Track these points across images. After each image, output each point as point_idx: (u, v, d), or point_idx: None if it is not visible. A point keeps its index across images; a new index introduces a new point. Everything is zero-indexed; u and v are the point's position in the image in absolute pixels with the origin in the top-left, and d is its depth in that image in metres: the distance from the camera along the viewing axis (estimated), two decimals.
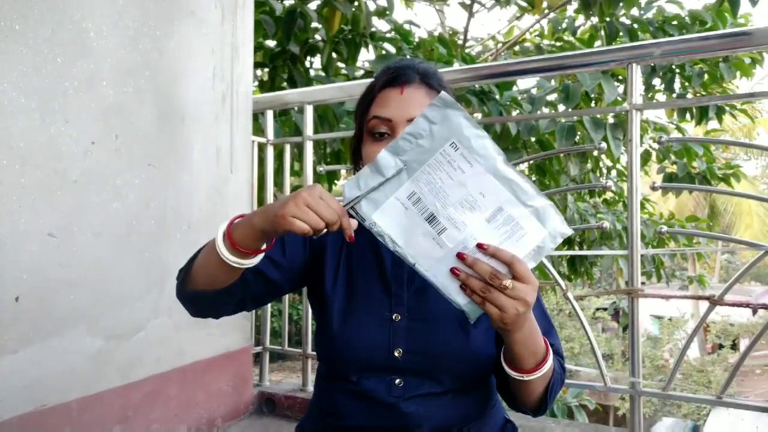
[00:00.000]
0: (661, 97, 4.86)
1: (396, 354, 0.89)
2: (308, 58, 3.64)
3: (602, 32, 4.18)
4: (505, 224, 0.75)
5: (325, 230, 0.74)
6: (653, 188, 1.76)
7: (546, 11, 5.05)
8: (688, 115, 4.39)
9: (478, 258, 0.74)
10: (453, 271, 0.74)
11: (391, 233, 0.76)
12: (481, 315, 0.76)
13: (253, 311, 2.22)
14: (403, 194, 0.76)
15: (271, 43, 3.62)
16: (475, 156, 0.75)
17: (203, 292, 0.88)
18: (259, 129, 2.48)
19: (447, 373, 0.90)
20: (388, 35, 3.88)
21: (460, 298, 0.76)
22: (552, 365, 0.86)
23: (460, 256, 0.74)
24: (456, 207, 0.75)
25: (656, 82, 4.54)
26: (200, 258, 0.87)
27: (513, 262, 0.73)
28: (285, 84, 3.46)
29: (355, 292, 0.94)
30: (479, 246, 0.74)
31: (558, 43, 4.69)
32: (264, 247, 0.81)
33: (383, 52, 3.70)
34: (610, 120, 3.27)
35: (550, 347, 0.86)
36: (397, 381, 0.90)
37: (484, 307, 0.74)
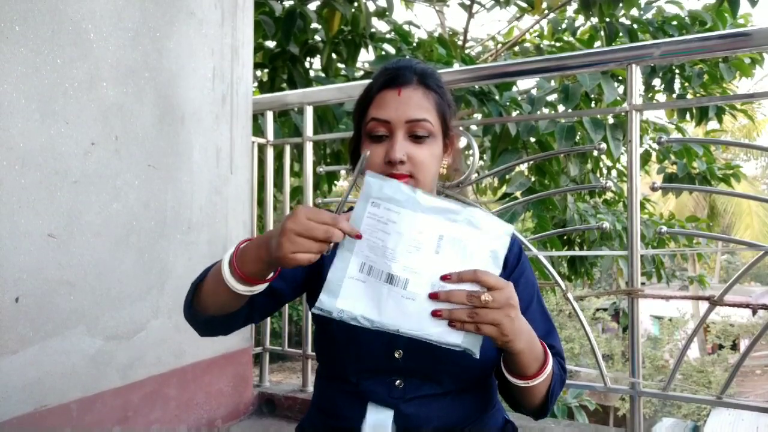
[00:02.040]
0: (661, 97, 4.87)
1: (396, 355, 0.89)
2: (308, 58, 3.65)
3: (602, 33, 4.18)
4: (452, 247, 0.76)
5: (332, 244, 0.74)
6: (653, 188, 1.76)
7: (546, 12, 5.06)
8: (688, 116, 4.39)
9: (449, 289, 0.74)
10: (434, 314, 0.74)
11: (361, 312, 0.76)
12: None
13: None
14: (354, 270, 0.76)
15: (270, 43, 3.63)
16: (396, 203, 0.76)
17: (213, 317, 0.90)
18: (258, 130, 2.48)
19: (447, 374, 0.89)
20: (387, 36, 3.89)
21: (454, 338, 0.75)
22: (552, 368, 0.86)
23: (433, 296, 0.74)
24: (405, 256, 0.75)
25: (656, 82, 4.55)
26: (207, 286, 0.88)
27: (477, 277, 0.73)
28: (285, 85, 3.46)
29: None
30: (443, 278, 0.74)
31: (558, 44, 4.70)
32: (270, 276, 0.82)
33: (383, 52, 3.70)
34: (610, 120, 3.27)
35: (549, 350, 0.86)
36: (398, 382, 0.90)
37: (480, 332, 0.74)
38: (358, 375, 0.91)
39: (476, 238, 0.77)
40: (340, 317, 0.76)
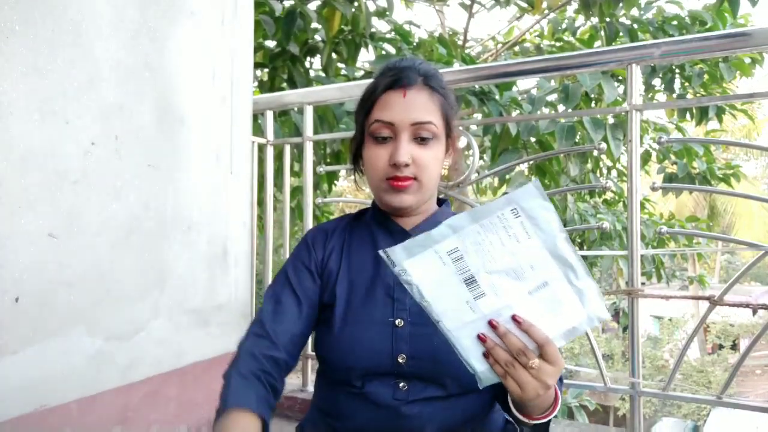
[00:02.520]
0: (661, 97, 4.87)
1: (400, 360, 0.88)
2: (308, 58, 3.65)
3: (602, 33, 4.19)
4: (546, 300, 0.72)
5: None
6: (653, 188, 1.76)
7: (546, 12, 5.06)
8: (688, 116, 4.39)
9: (510, 330, 0.71)
10: (480, 337, 0.71)
11: (420, 285, 0.72)
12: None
13: (254, 312, 2.22)
14: (444, 249, 0.72)
15: (270, 43, 3.63)
16: (536, 228, 0.71)
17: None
18: (258, 129, 2.48)
19: (451, 378, 0.88)
20: (388, 36, 3.89)
21: (478, 365, 0.73)
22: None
23: (491, 324, 0.71)
24: (501, 274, 0.71)
25: (656, 82, 4.55)
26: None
27: (545, 343, 0.71)
28: (285, 84, 3.46)
29: (356, 297, 0.93)
30: (514, 318, 0.71)
31: (558, 44, 4.70)
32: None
33: (383, 52, 3.70)
34: (610, 120, 3.27)
35: (559, 396, 0.85)
36: (401, 385, 0.89)
37: (504, 380, 0.72)
38: (362, 378, 0.90)
39: (573, 309, 0.72)
40: (399, 275, 0.72)
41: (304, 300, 0.95)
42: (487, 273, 0.72)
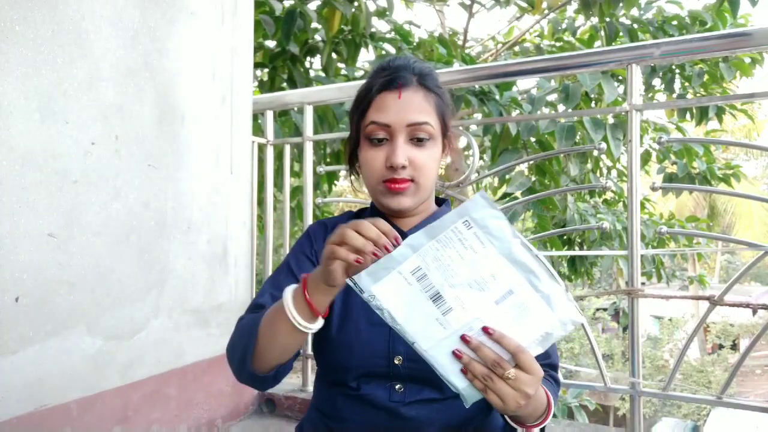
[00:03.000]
0: (661, 97, 4.87)
1: (396, 362, 0.88)
2: (308, 58, 3.65)
3: (602, 32, 4.19)
4: (514, 308, 0.71)
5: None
6: (653, 188, 1.76)
7: (546, 12, 5.06)
8: (688, 116, 4.39)
9: (483, 342, 0.71)
10: (455, 353, 0.71)
11: (390, 308, 0.72)
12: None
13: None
14: (407, 268, 0.72)
15: (270, 43, 3.63)
16: (489, 237, 0.72)
17: (278, 368, 0.87)
18: (258, 129, 2.48)
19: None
20: (388, 36, 3.89)
21: (458, 381, 0.72)
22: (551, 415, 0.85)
23: (464, 339, 0.71)
24: (464, 287, 0.71)
25: (656, 82, 4.55)
26: (264, 339, 0.82)
27: (518, 352, 0.70)
28: (285, 84, 3.46)
29: (353, 298, 0.92)
30: (485, 329, 0.71)
31: (558, 44, 4.70)
32: (327, 310, 0.80)
33: (383, 52, 3.70)
34: (610, 120, 3.27)
35: (551, 402, 0.84)
36: (398, 386, 0.89)
37: (485, 394, 0.71)
38: (358, 379, 0.90)
39: (542, 315, 0.72)
40: (368, 301, 0.73)
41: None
42: (451, 287, 0.72)
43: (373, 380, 0.90)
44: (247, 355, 0.84)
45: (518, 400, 0.71)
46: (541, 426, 0.83)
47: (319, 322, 0.79)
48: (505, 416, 0.84)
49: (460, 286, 0.72)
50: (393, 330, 0.89)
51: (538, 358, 0.91)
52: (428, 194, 0.96)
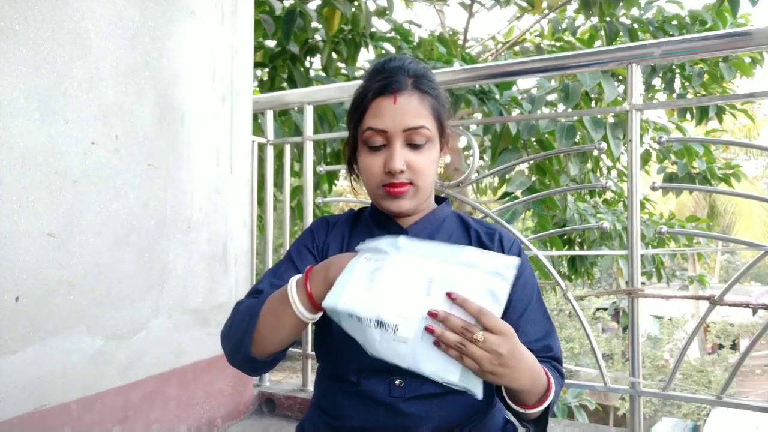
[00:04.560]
0: (661, 97, 4.87)
1: None
2: (308, 58, 3.65)
3: (602, 32, 4.18)
4: (444, 289, 0.74)
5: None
6: (653, 188, 1.76)
7: (546, 11, 5.06)
8: (688, 115, 4.39)
9: (449, 312, 0.73)
10: (428, 329, 0.73)
11: (361, 342, 0.76)
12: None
13: None
14: (345, 314, 0.75)
15: (271, 43, 3.63)
16: (382, 252, 0.77)
17: (275, 354, 0.89)
18: (258, 129, 2.48)
19: None
20: (388, 35, 3.89)
21: (451, 376, 0.74)
22: (553, 398, 0.85)
23: (431, 314, 0.73)
24: (393, 302, 0.74)
25: (656, 82, 4.55)
26: (265, 326, 0.85)
27: (480, 314, 0.72)
28: (285, 84, 3.46)
29: None
30: (448, 295, 0.73)
31: (558, 43, 4.70)
32: None
33: (383, 52, 3.70)
34: (610, 120, 3.27)
35: (552, 381, 0.85)
36: (398, 381, 0.89)
37: (462, 362, 0.73)
38: (358, 374, 0.91)
39: (471, 278, 0.75)
40: (339, 319, 0.77)
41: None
42: (385, 309, 0.74)
43: (373, 375, 0.90)
44: (246, 338, 0.85)
45: (492, 361, 0.72)
46: (543, 406, 0.83)
47: (319, 313, 0.83)
48: (507, 399, 0.85)
49: (389, 303, 0.75)
50: None
51: (539, 351, 0.90)
52: (428, 195, 0.98)
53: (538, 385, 0.81)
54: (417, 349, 0.74)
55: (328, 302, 0.76)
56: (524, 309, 0.93)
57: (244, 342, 0.85)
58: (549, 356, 0.93)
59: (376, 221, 1.02)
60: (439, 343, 0.73)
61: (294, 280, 0.83)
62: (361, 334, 0.76)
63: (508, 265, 0.76)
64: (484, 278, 0.75)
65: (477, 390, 0.74)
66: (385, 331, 0.74)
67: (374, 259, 0.77)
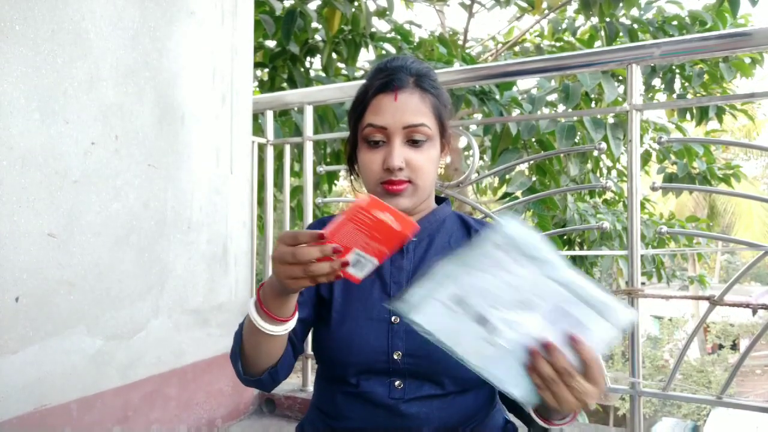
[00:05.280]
0: (661, 97, 4.87)
1: (395, 357, 0.88)
2: (308, 58, 3.65)
3: (602, 33, 4.18)
4: (568, 324, 0.70)
5: (333, 268, 0.71)
6: (653, 188, 1.76)
7: (546, 12, 5.06)
8: (688, 116, 4.39)
9: (560, 350, 0.70)
10: (532, 352, 0.70)
11: (435, 331, 0.71)
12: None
13: None
14: (444, 295, 0.71)
15: (271, 43, 3.63)
16: (523, 257, 0.70)
17: (273, 368, 0.91)
18: (259, 129, 2.48)
19: (448, 376, 0.88)
20: (388, 35, 3.89)
21: (516, 390, 0.71)
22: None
23: (546, 345, 0.70)
24: (510, 310, 0.70)
25: (656, 82, 4.55)
26: (248, 346, 0.88)
27: (591, 362, 0.69)
28: (285, 84, 3.46)
29: (352, 294, 0.94)
30: (546, 345, 0.70)
31: (558, 44, 4.71)
32: (294, 310, 0.83)
33: (383, 52, 3.70)
34: (610, 120, 3.27)
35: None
36: (397, 383, 0.89)
37: (541, 392, 0.70)
38: (358, 376, 0.90)
39: (597, 326, 0.70)
40: (413, 327, 0.73)
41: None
42: (495, 309, 0.70)
43: (372, 376, 0.90)
44: (237, 363, 0.91)
45: (574, 408, 0.70)
46: (565, 423, 0.81)
47: (290, 323, 0.83)
48: (530, 411, 0.82)
49: (504, 308, 0.70)
50: (392, 325, 0.89)
51: None
52: (427, 194, 0.97)
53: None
54: (501, 358, 0.71)
55: (401, 312, 0.72)
56: None
57: (237, 366, 0.91)
58: None
59: None
60: (532, 368, 0.70)
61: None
62: (448, 322, 0.71)
63: (629, 320, 0.71)
64: (609, 330, 0.70)
65: (533, 402, 0.72)
66: (482, 328, 0.70)
67: (512, 256, 0.70)
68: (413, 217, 0.99)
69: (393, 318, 0.90)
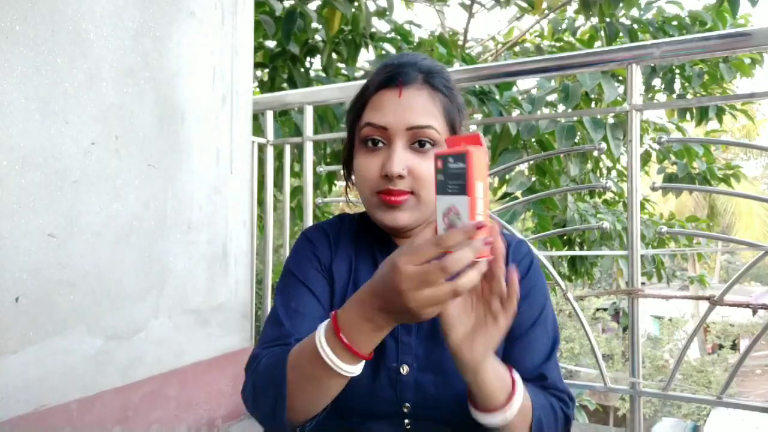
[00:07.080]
0: (661, 97, 4.87)
1: (405, 409, 0.80)
2: (308, 58, 3.65)
3: (602, 33, 4.18)
4: None
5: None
6: (653, 188, 1.76)
7: (546, 12, 5.06)
8: (688, 116, 4.39)
9: None
10: None
11: None
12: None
13: (254, 311, 2.22)
14: None
15: (271, 43, 3.63)
16: None
17: (317, 416, 0.73)
18: (259, 129, 2.48)
19: (458, 423, 0.78)
20: (388, 36, 3.89)
21: None
22: (522, 401, 0.71)
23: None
24: None
25: (656, 82, 4.55)
26: (301, 388, 0.69)
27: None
28: (285, 84, 3.46)
29: None
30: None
31: (558, 44, 4.70)
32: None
33: (383, 52, 3.70)
34: (610, 120, 3.27)
35: (517, 382, 0.72)
36: (407, 421, 0.81)
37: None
38: (364, 417, 0.82)
39: None
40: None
41: (320, 295, 0.83)
42: None
43: (381, 419, 0.81)
44: (277, 407, 0.70)
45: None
46: (508, 411, 0.69)
47: (362, 361, 0.67)
48: (471, 406, 0.72)
49: None
50: (401, 375, 0.80)
51: (532, 378, 0.79)
52: (431, 209, 0.80)
53: (501, 385, 0.69)
54: None
55: None
56: (529, 327, 0.83)
57: (277, 413, 0.70)
58: (545, 386, 0.80)
59: (379, 244, 0.87)
60: None
61: (322, 332, 0.65)
62: None
63: None
64: None
65: None
66: None
67: None
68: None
69: (402, 368, 0.80)
